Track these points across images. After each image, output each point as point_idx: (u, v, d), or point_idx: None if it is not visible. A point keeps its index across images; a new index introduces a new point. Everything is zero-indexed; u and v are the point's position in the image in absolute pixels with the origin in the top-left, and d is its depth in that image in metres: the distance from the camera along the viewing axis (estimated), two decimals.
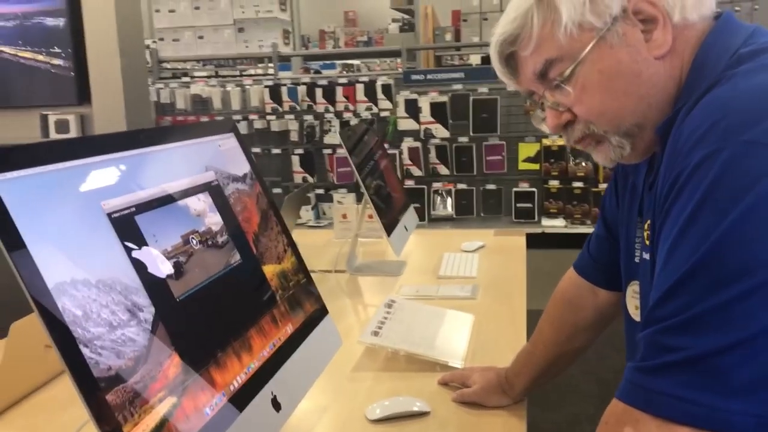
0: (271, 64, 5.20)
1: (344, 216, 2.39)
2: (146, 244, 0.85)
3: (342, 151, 4.82)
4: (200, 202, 1.01)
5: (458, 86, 4.63)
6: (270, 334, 1.04)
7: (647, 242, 0.83)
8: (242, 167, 1.17)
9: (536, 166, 4.62)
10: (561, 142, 4.55)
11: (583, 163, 4.52)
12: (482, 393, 1.22)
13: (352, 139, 1.92)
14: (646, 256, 0.83)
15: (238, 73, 6.96)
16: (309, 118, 4.83)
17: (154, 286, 0.83)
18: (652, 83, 0.79)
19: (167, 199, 0.93)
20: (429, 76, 4.72)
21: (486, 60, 6.13)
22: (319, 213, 4.91)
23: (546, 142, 4.57)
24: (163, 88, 4.82)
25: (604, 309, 1.12)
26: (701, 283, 0.64)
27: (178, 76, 5.66)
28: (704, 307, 0.63)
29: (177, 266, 0.89)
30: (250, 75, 6.12)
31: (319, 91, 4.81)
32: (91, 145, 0.84)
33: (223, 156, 1.13)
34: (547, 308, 1.21)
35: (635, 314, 0.94)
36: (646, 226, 0.84)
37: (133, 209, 0.86)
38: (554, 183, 4.59)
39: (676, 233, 0.67)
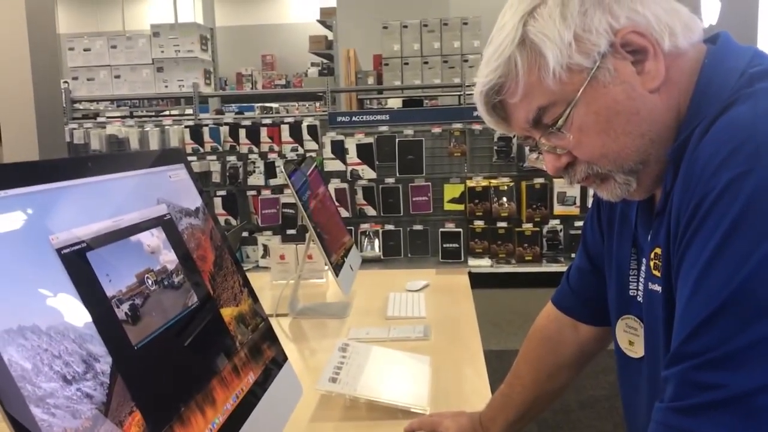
0: (188, 105, 5.06)
1: (282, 257, 2.28)
2: (100, 285, 0.74)
3: (267, 193, 4.70)
4: (154, 238, 0.91)
5: (384, 128, 4.63)
6: (232, 385, 0.93)
7: (655, 272, 0.78)
8: (194, 201, 1.07)
9: (461, 207, 4.65)
10: (484, 183, 4.61)
11: (506, 204, 4.58)
12: None
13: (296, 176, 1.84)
14: (656, 287, 0.78)
15: (154, 113, 6.76)
16: (232, 159, 4.71)
17: (110, 332, 0.72)
18: (651, 119, 0.75)
19: (120, 234, 0.82)
20: (355, 118, 4.71)
21: (407, 103, 6.19)
22: (242, 256, 4.75)
23: (470, 183, 4.61)
24: (77, 129, 4.60)
25: (585, 345, 1.08)
26: (736, 317, 0.59)
27: (90, 116, 5.41)
28: (740, 342, 0.59)
29: (133, 309, 0.78)
30: (169, 115, 5.93)
31: (242, 132, 4.71)
32: (34, 172, 0.73)
33: (174, 188, 1.03)
34: (524, 347, 1.15)
35: (629, 350, 0.89)
36: (652, 255, 0.79)
37: (85, 244, 0.75)
38: (479, 223, 4.63)
39: (704, 263, 0.62)
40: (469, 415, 1.18)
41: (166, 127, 4.70)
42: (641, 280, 0.85)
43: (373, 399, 1.30)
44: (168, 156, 1.07)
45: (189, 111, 5.99)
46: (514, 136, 4.47)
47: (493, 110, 0.81)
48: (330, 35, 8.31)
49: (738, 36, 0.79)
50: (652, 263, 0.79)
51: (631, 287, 0.87)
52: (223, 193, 4.67)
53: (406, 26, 5.49)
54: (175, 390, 0.80)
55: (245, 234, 4.69)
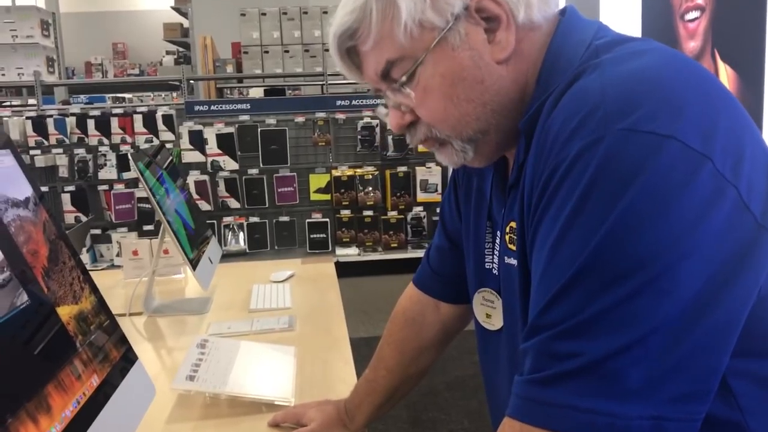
0: (31, 96, 4.69)
1: (135, 253, 2.15)
2: None
3: (120, 187, 4.44)
4: None
5: (245, 117, 4.50)
6: (72, 389, 0.85)
7: (511, 246, 0.78)
8: (24, 190, 0.97)
9: (327, 197, 4.62)
10: (350, 172, 4.61)
11: (372, 193, 4.61)
12: (321, 429, 1.11)
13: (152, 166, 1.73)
14: (511, 261, 0.78)
15: None
16: (81, 151, 4.40)
17: None
18: (495, 90, 0.75)
19: None
20: (213, 107, 4.54)
21: (269, 92, 6.07)
22: (96, 255, 4.47)
23: (335, 173, 4.59)
24: None
25: (448, 324, 1.08)
26: (590, 284, 0.59)
27: None
28: (595, 309, 0.59)
29: None
30: (8, 106, 5.47)
31: (91, 123, 4.41)
32: None
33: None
34: (387, 330, 1.13)
35: (486, 322, 0.90)
36: (507, 229, 0.79)
37: None
38: (346, 212, 4.62)
39: (558, 233, 0.62)
40: (335, 402, 1.15)
41: (5, 118, 4.33)
42: (497, 253, 0.85)
43: (234, 394, 1.25)
44: None
45: (32, 101, 5.55)
46: (376, 125, 4.50)
47: (346, 55, 0.79)
48: (185, 23, 8.00)
49: (581, 8, 0.80)
50: (507, 237, 0.79)
51: (487, 260, 0.87)
52: (71, 188, 4.36)
53: (264, 14, 5.36)
54: (0, 398, 0.71)
55: (97, 231, 4.41)
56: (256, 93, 6.66)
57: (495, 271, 0.86)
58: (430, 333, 1.09)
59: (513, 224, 0.77)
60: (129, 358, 1.04)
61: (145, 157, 1.69)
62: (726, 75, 2.04)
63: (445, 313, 1.07)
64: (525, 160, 0.72)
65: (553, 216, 0.63)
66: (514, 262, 0.77)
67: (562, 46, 0.74)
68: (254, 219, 4.54)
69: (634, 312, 0.58)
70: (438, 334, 1.09)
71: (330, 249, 4.56)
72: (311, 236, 4.56)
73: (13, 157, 0.99)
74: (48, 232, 0.99)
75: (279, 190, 4.55)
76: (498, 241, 0.84)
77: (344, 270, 4.51)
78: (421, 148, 0.85)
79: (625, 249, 0.58)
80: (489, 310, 0.88)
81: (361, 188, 4.60)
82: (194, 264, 1.74)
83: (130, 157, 1.60)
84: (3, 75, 4.66)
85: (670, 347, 0.58)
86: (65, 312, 0.93)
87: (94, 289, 1.04)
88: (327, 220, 4.58)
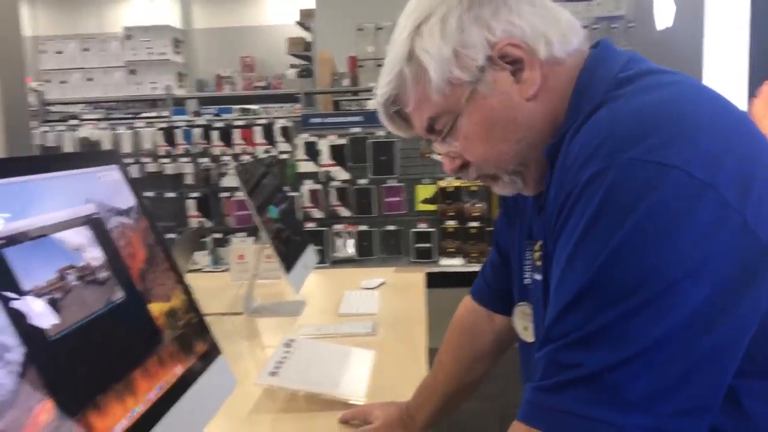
0: (164, 108, 5.08)
1: (241, 257, 2.32)
2: (15, 280, 0.78)
3: (240, 194, 4.73)
4: (79, 236, 0.95)
5: (357, 129, 4.67)
6: (157, 376, 0.98)
7: (538, 263, 0.84)
8: (127, 201, 1.11)
9: (434, 207, 4.70)
10: (456, 183, 4.66)
11: (478, 204, 4.64)
12: (384, 428, 1.19)
13: (251, 178, 1.88)
14: (538, 277, 0.84)
15: (130, 115, 6.77)
16: (205, 161, 4.73)
17: (24, 325, 0.76)
18: (528, 126, 0.81)
19: (42, 233, 0.86)
20: (328, 120, 4.74)
21: None
22: (216, 258, 4.77)
23: (442, 183, 4.66)
24: (49, 131, 4.60)
25: (501, 335, 1.13)
26: (594, 301, 0.65)
27: (66, 119, 5.42)
28: (598, 324, 0.64)
29: (51, 303, 0.82)
30: (143, 117, 5.95)
31: (215, 134, 4.73)
32: None
33: (105, 188, 1.07)
34: (446, 338, 1.20)
35: (524, 335, 0.95)
36: (537, 247, 0.85)
37: (3, 242, 0.79)
38: (451, 223, 4.67)
39: (569, 252, 0.68)
40: (398, 404, 1.23)
41: (139, 129, 4.72)
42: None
43: (311, 391, 1.35)
44: (101, 157, 1.11)
45: (165, 113, 6.00)
46: None
47: (395, 116, 0.87)
48: (308, 37, 8.35)
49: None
50: (536, 255, 0.85)
51: (525, 276, 0.93)
52: (196, 194, 4.69)
53: (380, 28, 5.53)
54: (92, 379, 0.84)
55: (218, 235, 4.71)
56: (373, 105, 6.84)
57: (532, 287, 0.91)
58: (483, 342, 1.14)
59: (541, 242, 0.83)
60: (213, 353, 1.16)
61: (245, 170, 1.83)
62: None
63: (499, 324, 1.12)
64: (550, 184, 0.77)
65: (566, 237, 0.69)
66: (539, 278, 0.83)
67: (589, 79, 0.78)
68: (363, 227, 4.68)
69: (635, 327, 0.62)
70: (491, 343, 1.14)
71: (434, 258, 4.63)
72: (416, 245, 4.65)
73: (119, 171, 1.14)
74: (147, 238, 1.13)
75: (387, 199, 4.67)
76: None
77: (448, 280, 4.58)
78: None
79: (628, 268, 0.63)
80: (526, 323, 0.93)
81: (467, 199, 4.64)
82: (288, 268, 1.87)
83: (234, 169, 1.75)
84: (138, 89, 5.07)
85: (671, 363, 0.62)
86: (156, 308, 1.06)
87: (186, 290, 1.17)
88: (432, 230, 4.65)
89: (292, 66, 9.48)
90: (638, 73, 0.76)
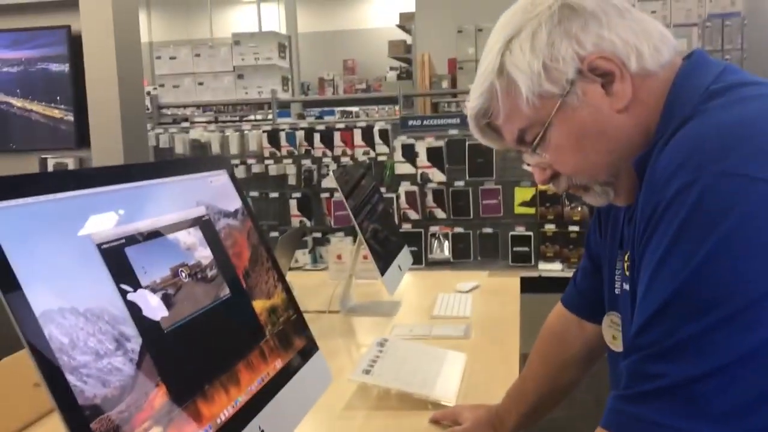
0: (270, 111, 5.28)
1: (339, 257, 2.40)
2: (135, 276, 0.86)
3: (339, 195, 4.86)
4: (190, 236, 1.02)
5: (454, 131, 4.68)
6: (258, 369, 1.04)
7: (627, 273, 0.84)
8: (234, 203, 1.19)
9: (532, 210, 4.64)
10: None
11: (579, 208, 4.55)
12: (473, 430, 1.21)
13: (349, 181, 1.94)
14: (627, 287, 0.84)
15: (237, 118, 7.06)
16: (307, 162, 4.88)
17: (142, 317, 0.83)
18: (618, 137, 0.82)
19: (158, 233, 0.94)
20: (426, 122, 4.78)
21: None
22: (316, 256, 4.91)
23: (541, 187, 4.60)
24: (162, 133, 4.88)
25: (592, 343, 1.13)
26: (680, 312, 0.65)
27: (178, 121, 5.73)
28: (683, 336, 0.65)
29: (165, 298, 0.90)
30: (249, 120, 6.19)
31: (317, 136, 4.87)
32: (83, 178, 0.86)
33: (214, 191, 1.15)
34: (536, 343, 1.21)
35: (612, 344, 0.95)
36: (626, 258, 0.85)
37: (123, 241, 0.87)
38: (550, 227, 4.60)
39: (656, 263, 0.68)
40: (487, 407, 1.25)
41: (246, 131, 4.92)
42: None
43: (403, 390, 1.38)
44: (211, 162, 1.19)
45: (270, 116, 6.23)
46: None
47: (486, 129, 0.90)
48: (409, 39, 8.43)
49: None
50: (625, 264, 0.85)
51: (616, 285, 0.93)
52: (298, 195, 4.84)
53: (480, 30, 5.53)
54: (200, 369, 0.91)
55: (318, 235, 4.85)
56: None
57: (621, 297, 0.91)
58: (573, 349, 1.14)
59: (629, 253, 0.83)
60: (311, 349, 1.22)
61: (343, 172, 1.90)
62: None
63: (589, 331, 1.12)
64: (638, 196, 0.77)
65: (653, 248, 0.69)
66: (627, 287, 0.83)
67: (681, 91, 0.78)
68: (459, 229, 4.69)
69: (720, 341, 0.63)
70: (581, 351, 1.14)
71: (533, 263, 4.58)
72: (514, 249, 4.61)
73: (227, 176, 1.22)
74: (251, 238, 1.20)
75: (484, 202, 4.66)
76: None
77: (547, 285, 4.52)
78: None
79: (714, 281, 0.63)
80: (615, 333, 0.93)
81: (567, 203, 4.56)
82: (383, 270, 1.92)
83: (330, 172, 1.82)
84: (246, 93, 5.29)
85: (755, 377, 0.62)
86: (259, 305, 1.13)
87: (286, 288, 1.24)
88: (531, 233, 4.60)
89: (392, 68, 9.59)
90: (730, 85, 0.76)
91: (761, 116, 0.69)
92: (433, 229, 4.73)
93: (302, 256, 4.71)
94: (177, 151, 4.86)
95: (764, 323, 0.61)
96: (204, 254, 1.03)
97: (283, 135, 4.87)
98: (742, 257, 0.62)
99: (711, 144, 0.67)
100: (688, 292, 0.65)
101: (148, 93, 5.18)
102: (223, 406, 0.92)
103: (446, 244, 4.73)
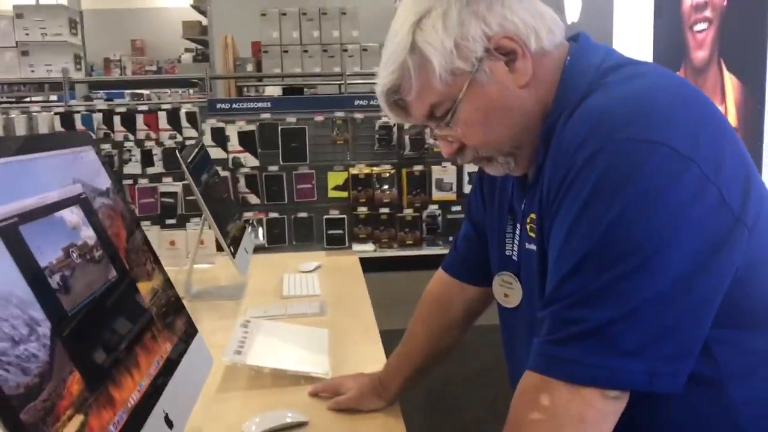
0: (53, 92, 4.86)
1: (172, 243, 2.30)
2: (33, 257, 0.78)
3: (144, 181, 4.60)
4: (74, 215, 0.95)
5: (266, 115, 4.65)
6: (153, 352, 0.99)
7: (531, 234, 0.93)
8: (104, 181, 1.11)
9: (345, 194, 4.75)
10: (367, 170, 4.75)
11: (388, 191, 4.74)
12: (357, 398, 1.25)
13: (191, 163, 1.87)
14: (531, 246, 0.93)
15: (14, 99, 6.40)
16: (107, 147, 4.56)
17: (47, 299, 0.77)
18: (522, 111, 0.89)
19: (45, 210, 0.86)
20: (235, 105, 4.68)
21: (288, 91, 6.21)
22: None
23: (353, 171, 4.73)
24: None
25: (472, 305, 1.22)
26: (595, 265, 0.75)
27: None
28: (598, 285, 0.74)
29: (64, 280, 0.83)
30: (37, 101, 5.64)
31: (117, 119, 4.57)
32: None
33: (86, 169, 1.07)
34: (417, 310, 1.27)
35: (504, 301, 1.04)
36: (528, 220, 0.93)
37: (16, 219, 0.79)
38: (362, 209, 4.75)
39: (570, 223, 0.77)
40: (369, 375, 1.29)
41: (34, 114, 4.49)
42: (516, 241, 0.99)
43: (277, 368, 1.39)
44: (76, 138, 1.11)
45: (54, 97, 5.73)
46: (394, 125, 4.63)
47: (394, 105, 0.93)
48: (204, 21, 8.16)
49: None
50: (528, 227, 0.94)
51: (507, 248, 1.02)
52: None
53: (284, 14, 5.52)
54: (106, 353, 0.85)
55: None
56: (274, 92, 6.79)
57: (514, 257, 1.00)
58: (455, 312, 1.23)
59: (533, 216, 0.91)
60: (193, 331, 1.18)
61: (188, 154, 1.83)
62: (731, 84, 2.16)
63: (470, 294, 1.21)
64: (543, 164, 0.86)
65: (566, 210, 0.78)
66: (533, 247, 0.92)
67: (574, 68, 0.88)
68: (273, 215, 4.68)
69: (630, 287, 0.73)
70: (463, 313, 1.23)
71: (347, 245, 4.70)
72: (328, 232, 4.69)
73: (94, 152, 1.13)
74: (125, 218, 1.13)
75: (298, 186, 4.68)
76: (518, 230, 0.98)
77: (360, 266, 4.67)
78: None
79: (623, 237, 0.73)
80: (507, 291, 1.02)
81: (378, 186, 4.73)
82: (234, 252, 1.88)
83: (178, 154, 1.75)
84: (32, 71, 4.82)
85: (660, 316, 0.73)
86: (143, 287, 1.07)
87: (162, 270, 1.18)
88: (344, 216, 4.71)
89: (187, 50, 9.24)
90: (618, 63, 0.87)
91: (655, 89, 0.80)
92: (247, 214, 4.66)
93: None
94: None
95: (667, 268, 0.72)
96: (88, 234, 0.96)
97: (78, 117, 4.51)
98: (647, 213, 0.72)
99: (615, 114, 0.77)
100: (602, 247, 0.74)
101: None
102: (131, 390, 0.87)
103: (260, 230, 4.69)
